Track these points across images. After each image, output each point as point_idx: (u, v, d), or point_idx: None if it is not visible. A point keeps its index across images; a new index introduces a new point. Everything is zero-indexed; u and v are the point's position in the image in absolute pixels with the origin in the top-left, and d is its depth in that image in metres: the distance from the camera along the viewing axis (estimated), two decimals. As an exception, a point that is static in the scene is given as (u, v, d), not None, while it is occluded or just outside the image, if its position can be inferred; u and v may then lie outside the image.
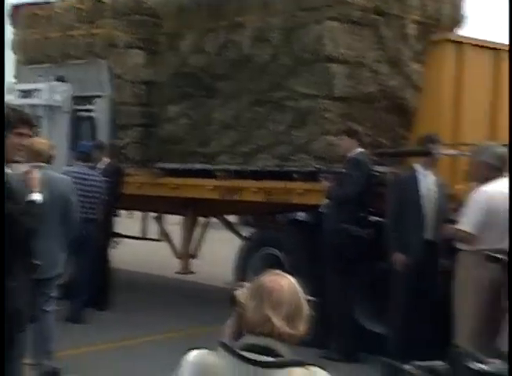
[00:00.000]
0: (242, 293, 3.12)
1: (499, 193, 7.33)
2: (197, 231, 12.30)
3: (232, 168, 10.04)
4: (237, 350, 2.94)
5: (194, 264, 12.28)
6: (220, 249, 12.87)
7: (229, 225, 12.58)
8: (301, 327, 3.04)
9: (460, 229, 7.38)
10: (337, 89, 9.08)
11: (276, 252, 9.83)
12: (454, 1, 10.09)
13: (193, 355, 3.00)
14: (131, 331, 9.37)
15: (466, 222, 7.34)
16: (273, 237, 10.29)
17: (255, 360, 2.91)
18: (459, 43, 9.47)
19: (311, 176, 9.15)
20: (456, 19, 10.16)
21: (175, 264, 12.30)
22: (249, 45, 9.64)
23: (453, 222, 7.66)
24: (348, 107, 9.24)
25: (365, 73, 9.34)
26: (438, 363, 4.33)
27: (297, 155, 9.36)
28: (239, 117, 9.90)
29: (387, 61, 9.53)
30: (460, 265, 7.52)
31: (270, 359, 2.91)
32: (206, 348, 3.08)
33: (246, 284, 3.25)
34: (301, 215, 11.13)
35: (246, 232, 11.56)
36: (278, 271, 3.23)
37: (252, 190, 9.98)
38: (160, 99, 10.78)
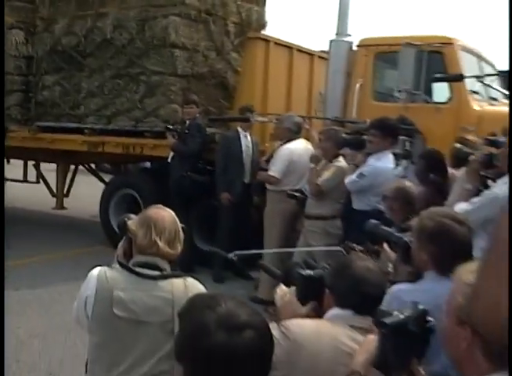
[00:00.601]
0: (132, 223, 3.10)
1: (297, 149, 7.55)
2: (69, 176, 11.95)
3: (97, 127, 9.78)
4: (131, 267, 2.91)
5: (66, 202, 11.97)
6: (87, 190, 12.52)
7: (94, 172, 12.26)
8: (179, 248, 3.06)
9: (269, 175, 7.52)
10: (179, 69, 9.02)
11: (132, 192, 9.77)
12: (259, 11, 10.12)
13: (97, 270, 2.97)
14: (31, 252, 9.04)
15: (274, 169, 7.51)
16: (130, 181, 10.29)
17: (145, 274, 2.94)
18: (266, 40, 9.57)
19: (160, 134, 9.06)
20: (261, 24, 10.18)
21: (51, 202, 11.94)
22: (110, 31, 9.36)
23: (264, 169, 7.75)
24: (187, 83, 9.21)
25: (199, 57, 9.31)
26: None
27: (148, 118, 9.28)
28: (103, 87, 9.62)
29: (214, 50, 9.54)
30: (269, 201, 7.69)
31: (157, 273, 2.93)
32: (100, 265, 3.05)
33: (134, 216, 3.21)
34: (149, 164, 11.16)
35: (107, 177, 11.29)
36: (159, 205, 3.19)
37: (113, 145, 9.79)
38: (38, 70, 10.30)
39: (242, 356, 1.56)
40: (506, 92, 8.10)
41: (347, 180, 6.17)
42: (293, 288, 2.75)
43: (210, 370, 1.57)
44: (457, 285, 1.95)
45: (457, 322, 1.88)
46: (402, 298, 2.88)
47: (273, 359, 1.88)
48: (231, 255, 4.69)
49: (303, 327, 2.42)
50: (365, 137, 6.31)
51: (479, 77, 8.11)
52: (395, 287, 3.04)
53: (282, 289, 2.83)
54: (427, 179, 5.28)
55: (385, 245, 3.58)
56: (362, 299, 2.48)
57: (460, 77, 7.00)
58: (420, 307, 2.06)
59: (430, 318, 2.05)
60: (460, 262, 2.88)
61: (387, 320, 1.98)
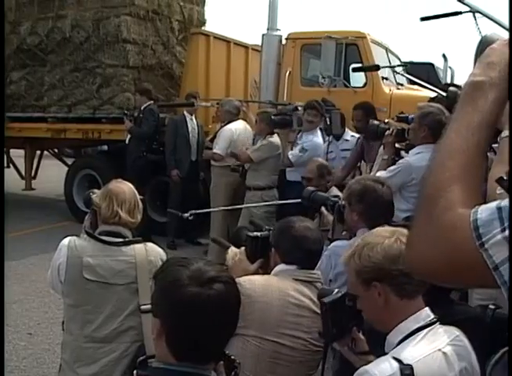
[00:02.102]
0: (96, 197, 3.03)
1: (237, 129, 7.58)
2: (35, 160, 11.56)
3: (59, 115, 9.57)
4: (97, 235, 2.87)
5: (34, 183, 11.60)
6: (52, 172, 12.21)
7: (58, 156, 11.96)
8: (139, 217, 3.01)
9: (214, 153, 7.46)
10: (131, 61, 8.93)
11: (92, 172, 9.62)
12: (200, 10, 10.12)
13: (67, 239, 2.91)
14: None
15: (218, 147, 7.45)
16: (90, 163, 10.10)
17: (110, 241, 2.87)
18: (207, 35, 9.44)
19: (115, 120, 8.95)
20: (202, 21, 10.19)
21: (21, 184, 11.58)
22: (69, 30, 9.16)
23: (209, 148, 7.68)
24: (138, 74, 9.13)
25: (148, 51, 9.22)
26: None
27: (104, 106, 9.15)
28: (63, 80, 9.41)
29: (161, 44, 9.47)
30: (214, 176, 7.63)
31: (120, 239, 2.88)
32: (74, 235, 2.98)
33: (97, 191, 3.15)
34: (106, 147, 10.97)
35: (70, 160, 11.04)
36: (120, 180, 3.13)
37: (74, 131, 9.58)
38: (6, 68, 9.85)
39: (213, 306, 1.54)
40: (414, 79, 8.29)
41: (290, 155, 6.26)
42: (243, 249, 2.74)
43: (184, 320, 1.55)
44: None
45: (365, 286, 1.90)
46: (339, 253, 2.92)
47: None
48: (186, 215, 4.67)
49: (254, 282, 2.42)
50: (288, 118, 6.44)
51: (392, 67, 8.26)
52: (333, 244, 3.08)
53: (232, 250, 2.82)
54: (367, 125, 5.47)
55: (323, 208, 3.61)
56: (305, 254, 2.50)
57: (377, 68, 7.10)
58: None
59: None
60: (386, 217, 2.95)
61: (326, 300, 2.03)
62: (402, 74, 8.52)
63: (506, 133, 2.00)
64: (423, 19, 6.17)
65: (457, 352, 1.76)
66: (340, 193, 4.08)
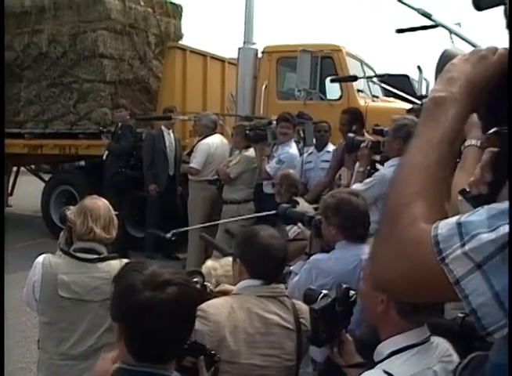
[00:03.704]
0: (71, 213, 3.00)
1: (214, 143, 7.56)
2: (12, 176, 11.44)
3: (36, 131, 9.53)
4: (72, 252, 2.85)
5: (11, 199, 11.51)
6: (29, 189, 12.06)
7: (34, 172, 11.83)
8: (114, 233, 2.99)
9: (191, 167, 7.46)
10: (108, 76, 8.91)
11: (70, 188, 9.56)
12: (176, 24, 10.11)
13: (42, 257, 2.87)
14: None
15: (195, 162, 7.45)
16: (67, 178, 9.99)
17: (85, 258, 2.85)
18: (183, 49, 9.47)
19: (92, 135, 8.93)
20: (179, 35, 10.17)
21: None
22: (46, 45, 9.11)
23: (186, 162, 7.68)
24: (115, 89, 9.11)
25: (125, 66, 9.20)
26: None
27: (81, 121, 9.12)
28: (40, 96, 9.36)
29: (138, 58, 9.46)
30: (192, 190, 7.61)
31: (95, 256, 2.85)
32: (49, 252, 2.96)
33: (73, 208, 3.12)
34: (83, 163, 10.89)
35: (46, 176, 10.93)
36: (94, 196, 3.11)
37: (50, 147, 9.53)
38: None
39: (167, 309, 1.60)
40: (391, 89, 8.39)
41: (268, 168, 6.30)
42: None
43: (140, 324, 1.61)
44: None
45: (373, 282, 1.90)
46: (319, 266, 2.94)
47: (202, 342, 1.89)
48: (169, 235, 4.66)
49: (218, 307, 2.36)
50: (262, 132, 6.48)
51: (369, 78, 8.34)
52: (313, 258, 3.08)
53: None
54: (351, 131, 5.60)
55: (300, 224, 3.61)
56: (272, 264, 2.47)
57: (354, 78, 7.18)
58: (344, 286, 2.09)
59: (352, 292, 2.09)
60: (363, 229, 2.97)
61: (317, 306, 2.02)
62: (378, 85, 8.60)
63: (470, 142, 2.03)
64: (398, 31, 6.26)
65: (447, 368, 1.76)
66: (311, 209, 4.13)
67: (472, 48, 1.19)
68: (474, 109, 1.12)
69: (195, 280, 2.51)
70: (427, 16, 5.94)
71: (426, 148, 1.04)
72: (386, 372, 1.69)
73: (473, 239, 0.90)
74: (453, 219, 0.94)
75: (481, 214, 0.93)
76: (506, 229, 0.88)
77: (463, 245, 0.91)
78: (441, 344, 1.84)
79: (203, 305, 2.35)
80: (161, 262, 1.80)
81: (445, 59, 1.19)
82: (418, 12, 6.09)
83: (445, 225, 0.94)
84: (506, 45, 1.14)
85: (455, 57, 1.15)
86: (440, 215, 0.98)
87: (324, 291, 2.11)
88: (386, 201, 1.06)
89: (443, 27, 5.75)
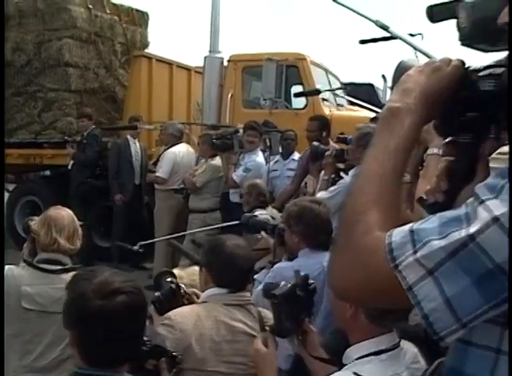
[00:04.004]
0: (34, 224, 2.97)
1: (180, 152, 7.56)
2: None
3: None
4: (35, 264, 2.82)
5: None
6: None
7: (-3, 183, 11.62)
8: (78, 243, 2.96)
9: (157, 176, 7.44)
10: (73, 85, 8.82)
11: (34, 198, 9.40)
12: (143, 32, 10.02)
13: (5, 268, 2.84)
14: None
15: (161, 171, 7.43)
16: (31, 188, 9.86)
17: (49, 269, 2.83)
18: (149, 58, 9.44)
19: (57, 145, 8.85)
20: (145, 43, 10.07)
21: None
22: (10, 53, 8.94)
23: (152, 172, 7.66)
24: (80, 98, 9.00)
25: (91, 74, 9.10)
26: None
27: (46, 131, 9.01)
28: (4, 105, 9.08)
29: (104, 67, 9.35)
30: (158, 199, 7.59)
31: (59, 267, 2.83)
32: (12, 263, 2.93)
33: (36, 218, 3.09)
34: (49, 172, 10.57)
35: (11, 186, 10.72)
36: (58, 206, 3.09)
37: (15, 156, 9.30)
38: None
39: (116, 317, 1.65)
40: (354, 100, 8.49)
41: (235, 176, 6.32)
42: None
43: (90, 331, 1.67)
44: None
45: (331, 289, 1.92)
46: (283, 274, 2.94)
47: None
48: (136, 247, 4.63)
49: (185, 315, 2.37)
50: (229, 141, 6.52)
51: (331, 90, 8.42)
52: (276, 266, 3.09)
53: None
54: (321, 137, 5.75)
55: (263, 233, 3.63)
56: (237, 273, 2.48)
57: (317, 92, 7.26)
58: (302, 274, 2.09)
59: (311, 281, 2.09)
60: (325, 236, 3.00)
61: (277, 292, 2.00)
62: (342, 97, 8.70)
63: (432, 150, 2.07)
64: (362, 41, 6.35)
65: (414, 375, 1.78)
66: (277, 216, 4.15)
67: (427, 60, 1.22)
68: (429, 119, 1.15)
69: (168, 280, 2.52)
70: (384, 28, 6.05)
71: (381, 157, 1.06)
72: (356, 374, 1.69)
73: (424, 246, 0.92)
74: (406, 227, 0.96)
75: (433, 221, 0.94)
76: (456, 235, 0.90)
77: (415, 252, 0.92)
78: (409, 350, 1.85)
79: (170, 314, 2.36)
80: (114, 270, 1.84)
81: (401, 70, 1.22)
82: (376, 24, 6.19)
83: (399, 233, 0.96)
84: (460, 56, 1.18)
85: (410, 68, 1.18)
86: (395, 223, 0.99)
87: (284, 282, 2.08)
88: (343, 210, 1.08)
89: (400, 39, 5.86)
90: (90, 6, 8.97)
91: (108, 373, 1.70)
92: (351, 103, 8.78)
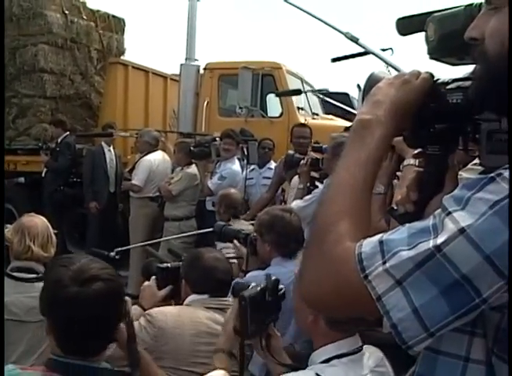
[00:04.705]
0: (8, 231, 2.95)
1: (156, 160, 7.56)
2: None
3: (-27, 146, 9.19)
4: (8, 272, 2.80)
5: None
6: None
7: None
8: (52, 251, 2.95)
9: (133, 184, 7.41)
10: (48, 91, 8.75)
11: (8, 206, 9.03)
12: (119, 39, 9.96)
13: None
14: None
15: (136, 178, 7.41)
16: (5, 196, 9.52)
17: (22, 278, 2.81)
18: (125, 65, 9.42)
19: (32, 151, 8.76)
20: (121, 50, 10.01)
21: None
22: (-16, 58, 8.83)
23: (128, 179, 7.63)
24: (56, 104, 8.94)
25: (66, 81, 9.04)
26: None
27: (21, 137, 8.92)
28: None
29: (79, 73, 9.28)
30: (133, 206, 7.57)
31: (33, 275, 2.81)
32: None
33: (9, 226, 3.06)
34: (23, 179, 10.48)
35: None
36: (32, 213, 3.07)
37: (-12, 162, 9.21)
38: None
39: (92, 304, 1.64)
40: (336, 103, 8.56)
41: (210, 184, 6.32)
42: (153, 277, 2.72)
43: (66, 318, 1.66)
44: (297, 267, 2.02)
45: (302, 298, 1.94)
46: (256, 282, 2.95)
47: (143, 345, 1.88)
48: (112, 254, 4.62)
49: (165, 314, 2.42)
50: (206, 149, 6.50)
51: (312, 91, 8.48)
52: (248, 275, 3.10)
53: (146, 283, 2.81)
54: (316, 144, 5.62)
55: (235, 242, 3.64)
56: (215, 285, 2.51)
57: (299, 92, 7.30)
58: (273, 278, 2.10)
59: (281, 285, 2.10)
60: (297, 244, 3.01)
61: (246, 293, 2.00)
62: (322, 99, 8.74)
63: (408, 161, 2.11)
64: (334, 60, 6.40)
65: None
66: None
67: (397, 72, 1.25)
68: (399, 131, 1.17)
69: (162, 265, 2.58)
70: (354, 40, 6.11)
71: (353, 168, 1.08)
72: (318, 375, 1.72)
73: (393, 256, 0.93)
74: (376, 237, 0.98)
75: (402, 232, 0.96)
76: (424, 246, 0.92)
77: (384, 263, 0.94)
78: (374, 354, 1.89)
79: (152, 311, 2.41)
80: (91, 257, 1.82)
81: (372, 82, 1.24)
82: (346, 37, 6.25)
83: (369, 244, 0.97)
84: (429, 69, 1.21)
85: (381, 80, 1.21)
86: (366, 233, 1.01)
87: (254, 284, 2.07)
88: (314, 220, 1.10)
89: (371, 53, 5.92)
90: (66, 12, 8.92)
91: (84, 362, 1.68)
92: (327, 112, 8.85)
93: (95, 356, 1.71)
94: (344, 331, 1.84)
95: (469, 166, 1.55)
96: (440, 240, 0.91)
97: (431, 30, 2.74)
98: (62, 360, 1.68)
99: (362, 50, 6.12)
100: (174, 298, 2.64)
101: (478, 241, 0.88)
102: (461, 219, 0.90)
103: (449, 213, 0.92)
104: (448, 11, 2.79)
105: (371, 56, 6.04)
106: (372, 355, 1.87)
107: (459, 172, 1.42)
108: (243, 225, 4.54)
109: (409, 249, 0.92)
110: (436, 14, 2.81)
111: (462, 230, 0.89)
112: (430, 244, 0.91)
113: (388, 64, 5.57)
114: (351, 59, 6.25)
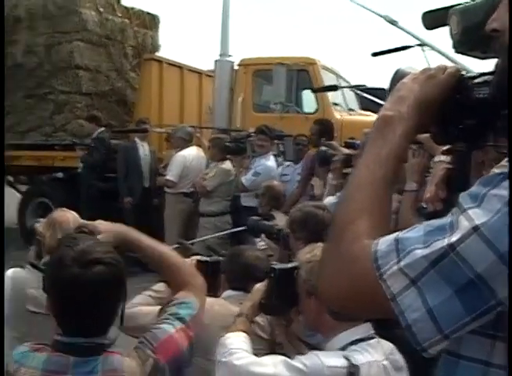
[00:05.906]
0: (40, 226, 2.97)
1: (190, 155, 7.55)
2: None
3: (12, 142, 9.28)
4: (41, 267, 2.83)
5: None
6: (6, 201, 11.80)
7: (11, 183, 11.66)
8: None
9: (167, 179, 7.44)
10: (84, 88, 8.90)
11: (46, 200, 9.39)
12: (153, 35, 10.09)
13: (11, 271, 2.85)
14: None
15: (171, 174, 7.42)
16: (43, 190, 9.80)
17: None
18: (160, 61, 9.53)
19: (68, 147, 8.84)
20: (155, 47, 10.13)
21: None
22: (21, 55, 9.04)
23: (162, 175, 7.67)
24: (91, 100, 9.06)
25: (101, 77, 9.18)
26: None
27: (57, 133, 9.06)
28: (16, 106, 9.20)
29: (114, 70, 9.42)
30: (168, 202, 7.60)
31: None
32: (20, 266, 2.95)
33: (42, 220, 3.08)
34: (61, 174, 10.65)
35: (23, 188, 10.76)
36: (64, 208, 3.09)
37: (27, 158, 9.47)
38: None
39: (92, 287, 1.62)
40: (372, 98, 8.47)
41: (244, 180, 6.32)
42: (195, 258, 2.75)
43: (65, 298, 1.65)
44: (300, 264, 2.01)
45: (306, 294, 1.94)
46: None
47: None
48: None
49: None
50: (242, 144, 6.53)
51: (349, 87, 8.41)
52: None
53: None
54: (320, 142, 5.69)
55: (263, 236, 3.63)
56: (252, 283, 2.51)
57: (335, 88, 7.26)
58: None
59: None
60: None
61: (277, 266, 2.00)
62: (360, 94, 8.66)
63: (439, 158, 2.07)
64: (374, 54, 6.31)
65: (394, 365, 1.84)
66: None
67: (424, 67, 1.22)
68: (423, 127, 1.14)
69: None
70: (393, 23, 6.02)
71: (373, 165, 1.06)
72: (345, 357, 1.74)
73: (408, 255, 0.91)
74: (392, 236, 0.96)
75: (418, 230, 0.94)
76: (439, 244, 0.89)
77: (398, 261, 0.92)
78: (385, 344, 1.89)
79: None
80: (98, 240, 1.81)
81: (398, 77, 1.21)
82: (385, 20, 6.17)
83: (385, 242, 0.95)
84: (451, 64, 1.17)
85: (406, 76, 1.18)
86: (384, 231, 0.99)
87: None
88: (333, 217, 1.08)
89: (425, 45, 5.79)
90: (101, 9, 9.05)
91: (86, 342, 1.66)
92: (363, 108, 8.76)
93: (95, 336, 1.69)
94: (351, 320, 1.84)
95: (502, 162, 1.51)
96: (454, 238, 0.89)
97: (454, 23, 2.66)
98: (61, 340, 1.67)
99: (403, 45, 6.02)
100: (212, 291, 2.65)
101: (492, 239, 0.86)
102: (475, 217, 0.88)
103: (465, 210, 0.90)
104: (471, 2, 2.72)
105: (411, 50, 5.95)
106: (385, 343, 1.88)
107: (493, 169, 1.39)
108: (284, 218, 4.52)
109: (424, 247, 0.90)
110: (458, 6, 2.73)
111: (476, 228, 0.87)
112: (445, 242, 0.89)
113: (445, 56, 5.43)
114: (392, 54, 6.15)
